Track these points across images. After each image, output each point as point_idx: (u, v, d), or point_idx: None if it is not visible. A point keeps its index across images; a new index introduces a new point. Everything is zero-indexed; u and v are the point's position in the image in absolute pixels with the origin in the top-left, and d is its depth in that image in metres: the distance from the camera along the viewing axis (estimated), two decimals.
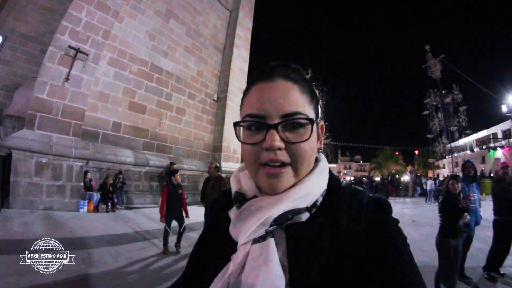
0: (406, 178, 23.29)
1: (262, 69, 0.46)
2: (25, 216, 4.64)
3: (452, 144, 31.47)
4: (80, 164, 5.87)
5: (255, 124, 0.43)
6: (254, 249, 0.42)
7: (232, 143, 10.51)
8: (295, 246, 0.41)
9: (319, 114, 0.49)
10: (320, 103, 0.50)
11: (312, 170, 0.46)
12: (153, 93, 8.29)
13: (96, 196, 5.95)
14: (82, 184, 5.91)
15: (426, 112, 31.77)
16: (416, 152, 36.81)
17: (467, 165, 3.47)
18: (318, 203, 0.45)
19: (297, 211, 0.42)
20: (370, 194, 0.47)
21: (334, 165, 54.73)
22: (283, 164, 0.42)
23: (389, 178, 20.60)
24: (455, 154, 31.08)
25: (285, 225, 0.43)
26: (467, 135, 30.35)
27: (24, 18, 10.14)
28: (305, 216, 0.43)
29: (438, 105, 30.73)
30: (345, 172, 53.21)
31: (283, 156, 0.42)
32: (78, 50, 6.07)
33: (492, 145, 25.96)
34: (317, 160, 0.48)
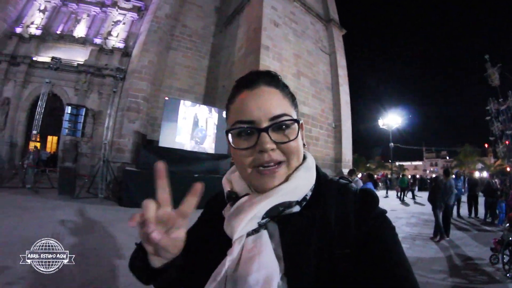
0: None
1: (246, 77, 0.49)
2: None
3: None
4: None
5: (245, 130, 0.45)
6: (248, 242, 0.44)
7: (347, 156, 14.74)
8: (288, 236, 0.43)
9: (298, 114, 0.52)
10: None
11: (299, 166, 0.48)
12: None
13: None
14: None
15: (488, 118, 33.40)
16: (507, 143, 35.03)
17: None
18: (308, 197, 0.47)
19: (288, 204, 0.45)
20: (357, 187, 0.49)
21: (420, 163, 49.99)
22: (278, 163, 0.45)
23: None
24: None
25: (277, 218, 0.45)
26: None
27: (176, 76, 12.97)
28: (295, 209, 0.46)
29: (502, 109, 31.78)
30: (431, 169, 46.91)
31: (277, 155, 0.45)
32: None
33: None
34: (304, 157, 0.50)
